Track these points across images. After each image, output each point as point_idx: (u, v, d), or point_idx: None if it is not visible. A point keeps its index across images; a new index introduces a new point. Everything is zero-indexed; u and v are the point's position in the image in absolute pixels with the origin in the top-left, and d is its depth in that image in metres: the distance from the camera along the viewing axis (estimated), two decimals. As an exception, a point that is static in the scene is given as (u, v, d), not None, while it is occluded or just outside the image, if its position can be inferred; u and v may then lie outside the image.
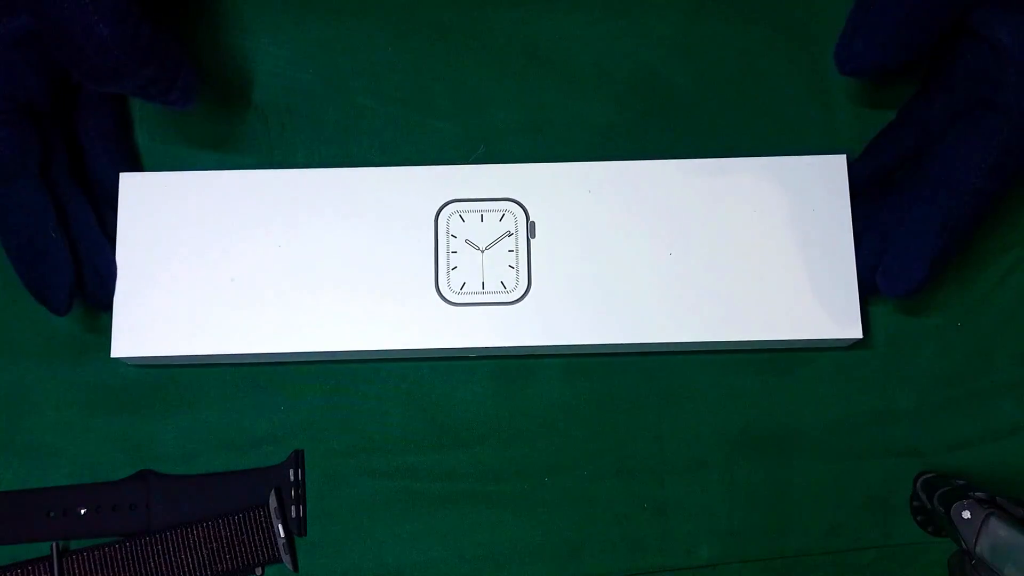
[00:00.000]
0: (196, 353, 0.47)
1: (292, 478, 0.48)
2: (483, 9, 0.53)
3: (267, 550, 0.48)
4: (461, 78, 0.52)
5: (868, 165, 0.49)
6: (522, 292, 0.47)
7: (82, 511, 0.48)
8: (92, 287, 0.47)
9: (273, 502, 0.48)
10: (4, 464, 0.49)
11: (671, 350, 0.49)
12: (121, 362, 0.49)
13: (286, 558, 0.48)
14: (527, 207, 0.48)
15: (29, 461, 0.49)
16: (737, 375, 0.50)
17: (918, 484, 0.48)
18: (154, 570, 0.47)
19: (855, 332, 0.47)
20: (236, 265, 0.47)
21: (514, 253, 0.47)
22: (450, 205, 0.48)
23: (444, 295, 0.47)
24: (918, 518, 0.48)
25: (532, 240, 0.47)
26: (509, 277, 0.47)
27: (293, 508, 0.48)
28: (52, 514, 0.48)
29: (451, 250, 0.47)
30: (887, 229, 0.47)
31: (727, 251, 0.47)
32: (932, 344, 0.50)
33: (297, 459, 0.49)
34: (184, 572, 0.47)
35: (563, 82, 0.52)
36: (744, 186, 0.48)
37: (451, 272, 0.47)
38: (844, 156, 0.48)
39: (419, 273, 0.47)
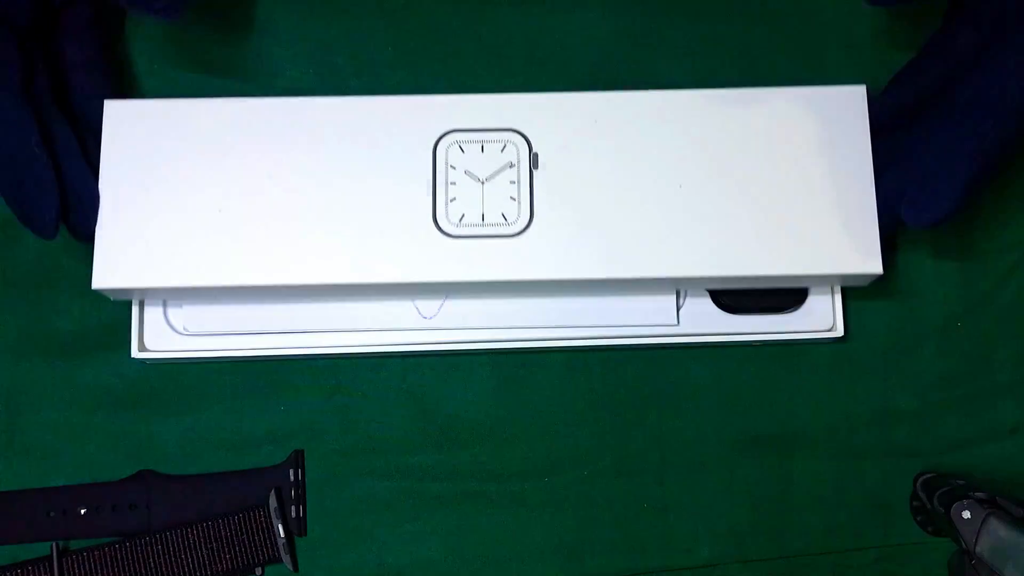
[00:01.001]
0: (180, 286, 0.45)
1: (292, 478, 0.48)
2: (483, 9, 0.53)
3: (267, 550, 0.48)
4: (461, 78, 0.52)
5: (892, 98, 0.46)
6: (524, 225, 0.45)
7: (82, 511, 0.48)
8: (74, 215, 0.45)
9: (273, 502, 0.48)
10: (4, 464, 0.49)
11: (674, 343, 0.49)
12: (133, 361, 0.49)
13: (286, 558, 0.48)
14: (530, 138, 0.46)
15: (29, 461, 0.49)
16: (738, 375, 0.50)
17: (918, 484, 0.48)
18: (154, 570, 0.47)
19: (875, 267, 0.45)
20: (224, 196, 0.45)
21: (516, 185, 0.45)
22: (449, 135, 0.46)
23: (442, 227, 0.45)
24: (918, 518, 0.48)
25: (535, 171, 0.45)
26: (510, 209, 0.45)
27: (293, 508, 0.48)
28: (52, 514, 0.48)
29: (450, 181, 0.45)
30: (913, 160, 0.44)
31: (740, 184, 0.45)
32: (932, 344, 0.50)
33: (297, 459, 0.49)
34: (184, 572, 0.47)
35: (563, 83, 0.52)
36: (759, 117, 0.46)
37: (450, 204, 0.45)
38: (863, 87, 0.46)
39: (416, 205, 0.45)
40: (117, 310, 0.49)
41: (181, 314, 0.48)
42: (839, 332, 0.49)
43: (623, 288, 0.47)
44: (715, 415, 0.50)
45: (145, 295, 0.47)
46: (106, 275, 0.45)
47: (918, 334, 0.50)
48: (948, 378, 0.50)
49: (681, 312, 0.49)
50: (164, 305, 0.48)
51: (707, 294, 0.49)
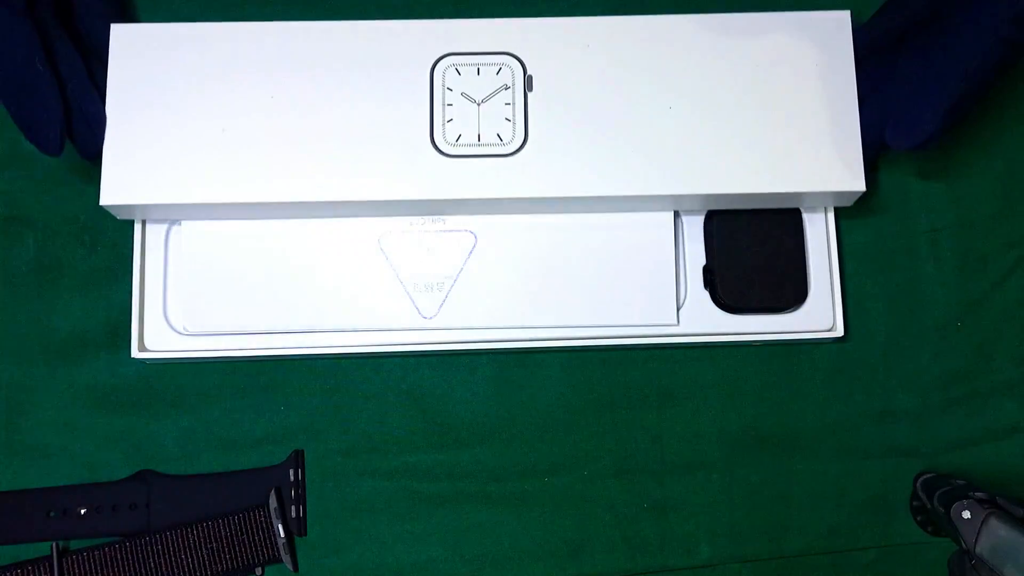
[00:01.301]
0: (184, 202, 0.46)
1: (292, 478, 0.48)
2: (483, 8, 0.53)
3: (267, 550, 0.48)
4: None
5: (879, 25, 0.47)
6: (518, 144, 0.46)
7: (82, 511, 0.48)
8: (81, 133, 0.46)
9: (273, 502, 0.48)
10: (4, 464, 0.49)
11: (674, 343, 0.49)
12: (133, 361, 0.49)
13: (286, 558, 0.48)
14: (524, 61, 0.47)
15: (29, 461, 0.49)
16: (738, 375, 0.50)
17: (918, 484, 0.48)
18: (154, 570, 0.47)
19: (859, 185, 0.46)
20: (228, 117, 0.46)
21: (511, 106, 0.47)
22: (446, 58, 0.47)
23: (439, 147, 0.46)
24: (918, 518, 0.48)
25: (529, 93, 0.47)
26: (505, 130, 0.47)
27: (293, 508, 0.48)
28: (52, 514, 0.48)
29: (447, 103, 0.47)
30: (898, 84, 0.45)
31: (728, 106, 0.47)
32: (932, 344, 0.50)
33: (297, 459, 0.49)
34: (184, 572, 0.47)
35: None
36: (746, 41, 0.47)
37: (446, 124, 0.47)
38: (848, 12, 0.48)
39: (414, 125, 0.47)
40: (117, 310, 0.49)
41: (181, 314, 0.48)
42: (839, 332, 0.49)
43: (613, 205, 0.48)
44: (715, 415, 0.50)
45: (150, 213, 0.48)
46: (113, 192, 0.46)
47: (918, 334, 0.50)
48: (948, 378, 0.50)
49: (681, 312, 0.49)
50: (164, 303, 0.49)
51: (707, 295, 0.49)
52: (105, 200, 0.46)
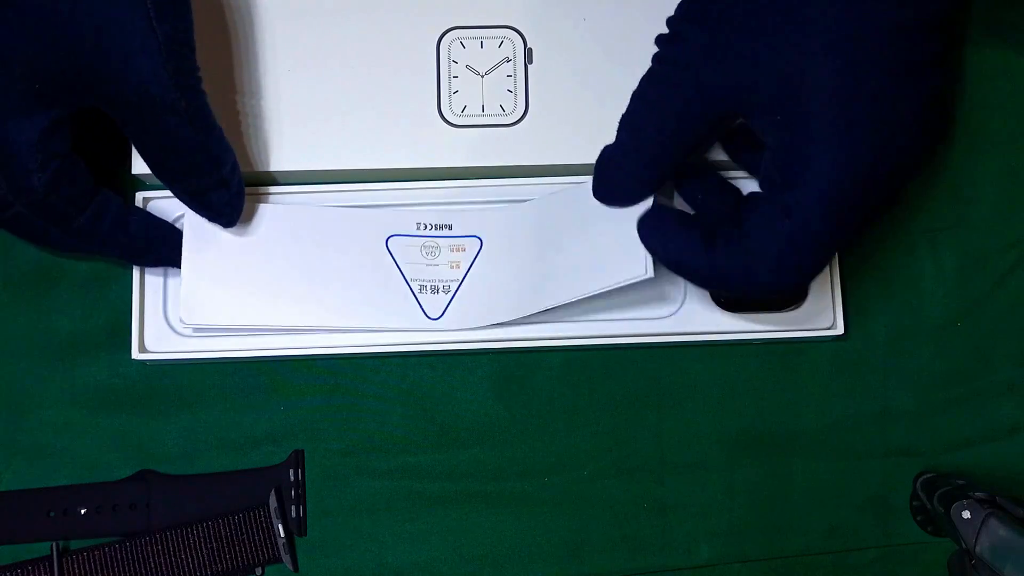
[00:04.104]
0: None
1: (292, 478, 0.48)
2: None
3: (267, 550, 0.48)
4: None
5: None
6: (520, 115, 0.49)
7: (82, 511, 0.48)
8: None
9: (273, 502, 0.48)
10: (4, 464, 0.49)
11: (674, 343, 0.49)
12: (134, 362, 0.49)
13: (286, 558, 0.48)
14: (525, 34, 0.49)
15: (29, 461, 0.49)
16: (737, 374, 0.50)
17: (918, 484, 0.48)
18: (154, 570, 0.47)
19: None
20: (248, 92, 0.48)
21: (512, 79, 0.49)
22: (451, 32, 0.49)
23: (446, 117, 0.48)
24: (918, 518, 0.48)
25: (529, 66, 0.49)
26: (508, 101, 0.49)
27: (293, 508, 0.48)
28: (52, 514, 0.48)
29: (452, 75, 0.49)
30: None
31: None
32: (932, 344, 0.50)
33: (297, 459, 0.49)
34: (184, 572, 0.47)
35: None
36: None
37: (453, 96, 0.49)
38: None
39: (422, 97, 0.49)
40: (117, 310, 0.49)
41: (181, 314, 0.48)
42: (839, 330, 0.49)
43: None
44: (715, 414, 0.50)
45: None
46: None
47: (918, 334, 0.50)
48: (948, 378, 0.50)
49: (681, 311, 0.49)
50: (164, 303, 0.49)
51: (707, 294, 0.49)
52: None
